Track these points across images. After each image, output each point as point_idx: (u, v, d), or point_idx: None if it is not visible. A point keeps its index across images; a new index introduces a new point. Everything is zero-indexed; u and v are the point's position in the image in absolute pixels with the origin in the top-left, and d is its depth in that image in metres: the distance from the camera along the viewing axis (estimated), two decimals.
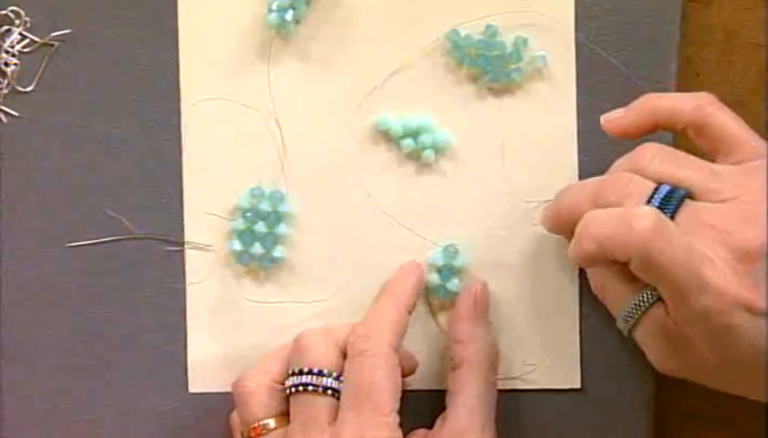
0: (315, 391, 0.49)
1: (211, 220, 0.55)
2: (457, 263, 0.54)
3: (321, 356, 0.50)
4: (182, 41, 0.54)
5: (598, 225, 0.45)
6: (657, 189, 0.46)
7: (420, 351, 0.54)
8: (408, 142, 0.54)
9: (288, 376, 0.50)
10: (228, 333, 0.55)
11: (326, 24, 0.54)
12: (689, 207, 0.46)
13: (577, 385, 0.54)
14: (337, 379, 0.49)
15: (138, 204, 0.55)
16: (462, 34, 0.53)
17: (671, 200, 0.46)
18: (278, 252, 0.54)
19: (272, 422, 0.50)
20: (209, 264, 0.55)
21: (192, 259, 0.55)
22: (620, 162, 0.49)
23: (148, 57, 0.55)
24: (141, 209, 0.55)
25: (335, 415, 0.49)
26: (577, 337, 0.54)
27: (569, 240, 0.48)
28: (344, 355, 0.50)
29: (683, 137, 0.50)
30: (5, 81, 0.55)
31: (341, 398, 0.49)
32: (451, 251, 0.54)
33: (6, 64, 0.55)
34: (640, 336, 0.48)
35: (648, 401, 0.53)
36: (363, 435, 0.47)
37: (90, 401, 0.55)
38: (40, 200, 0.55)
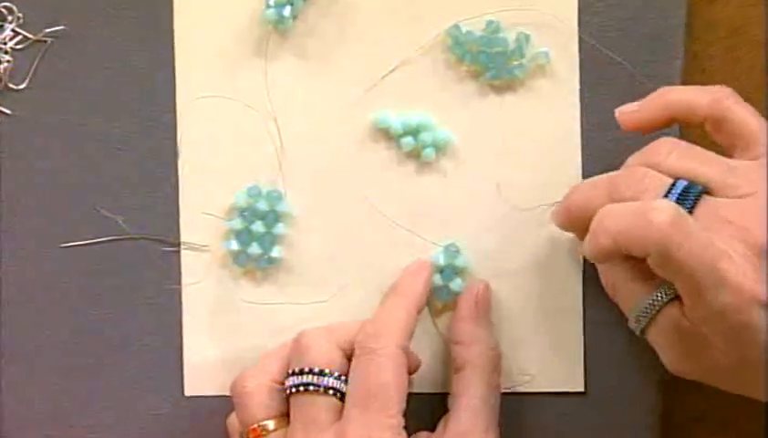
0: (316, 390, 0.49)
1: (207, 220, 0.55)
2: (459, 263, 0.53)
3: (322, 355, 0.49)
4: (178, 38, 0.54)
5: (615, 219, 0.45)
6: (674, 184, 0.46)
7: (422, 354, 0.53)
8: (408, 141, 0.54)
9: (288, 376, 0.50)
10: (225, 335, 0.55)
11: (324, 19, 0.54)
12: (706, 203, 0.45)
13: (581, 388, 0.54)
14: (338, 378, 0.49)
15: (133, 204, 0.55)
16: (464, 30, 0.53)
17: (689, 195, 0.45)
18: (276, 252, 0.54)
19: (271, 424, 0.50)
20: (205, 264, 0.55)
21: (188, 260, 0.55)
22: (635, 158, 0.48)
23: (143, 54, 0.55)
24: (137, 209, 0.55)
25: (336, 415, 0.48)
26: (581, 339, 0.53)
27: (581, 237, 0.48)
28: (345, 354, 0.50)
29: (691, 132, 0.50)
30: None
31: (347, 396, 0.48)
32: (452, 251, 0.53)
33: None
34: (653, 336, 0.47)
35: (652, 405, 0.53)
36: (369, 435, 0.47)
37: (85, 403, 0.55)
38: (33, 200, 0.55)
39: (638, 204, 0.45)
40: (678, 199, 0.45)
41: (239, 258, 0.54)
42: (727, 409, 0.54)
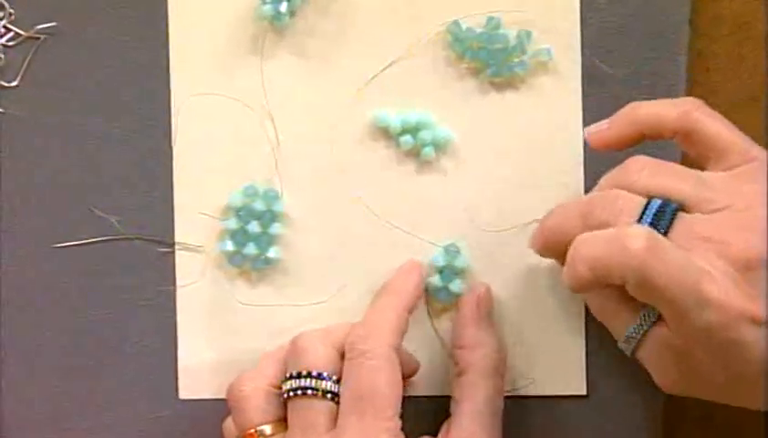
0: (314, 394, 0.48)
1: (202, 220, 0.54)
2: (459, 263, 0.53)
3: (320, 358, 0.49)
4: (173, 35, 0.54)
5: (590, 248, 0.45)
6: (648, 204, 0.46)
7: (422, 357, 0.53)
8: (407, 139, 0.53)
9: (286, 379, 0.49)
10: (220, 337, 0.54)
11: (322, 16, 0.54)
12: (682, 220, 0.45)
13: (583, 391, 0.53)
14: (337, 382, 0.49)
15: (127, 204, 0.55)
16: (464, 26, 0.53)
17: (664, 214, 0.45)
18: (272, 253, 0.54)
19: (268, 429, 0.49)
20: (200, 265, 0.54)
21: (182, 260, 0.54)
22: (607, 178, 0.48)
23: (137, 51, 0.54)
24: (131, 209, 0.55)
25: (335, 420, 0.48)
26: (583, 342, 0.53)
27: (561, 263, 0.48)
28: (343, 357, 0.49)
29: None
30: None
31: (341, 401, 0.48)
32: (452, 251, 0.53)
33: None
34: (644, 357, 0.47)
35: (655, 409, 0.53)
36: None
37: (76, 407, 0.55)
38: (24, 199, 0.55)
39: (613, 232, 0.45)
40: (653, 219, 0.45)
41: (234, 259, 0.54)
42: (731, 412, 0.52)
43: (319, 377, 0.48)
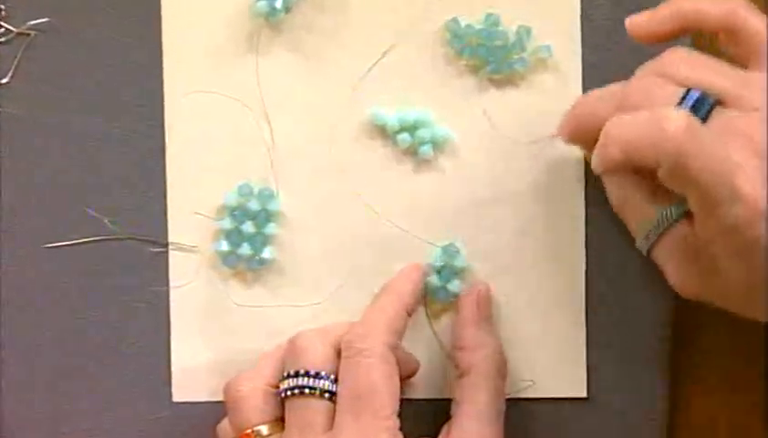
0: (311, 393, 0.48)
1: (196, 219, 0.54)
2: (458, 263, 0.53)
3: (318, 357, 0.49)
4: (166, 31, 0.54)
5: (626, 129, 0.44)
6: (687, 94, 0.45)
7: (421, 358, 0.53)
8: (405, 137, 0.53)
9: (283, 379, 0.49)
10: (214, 339, 0.54)
11: (318, 12, 0.54)
12: (720, 114, 0.45)
13: (583, 394, 0.53)
14: (335, 381, 0.49)
15: (120, 204, 0.54)
16: (463, 23, 0.53)
17: (702, 106, 0.45)
18: (267, 253, 0.54)
19: (265, 429, 0.49)
20: (194, 266, 0.54)
21: (176, 261, 0.54)
22: (645, 68, 0.48)
23: (129, 47, 0.54)
24: (123, 208, 0.54)
25: (332, 420, 0.48)
26: (584, 343, 0.53)
27: (588, 150, 0.47)
28: (341, 356, 0.49)
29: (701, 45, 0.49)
30: None
31: (337, 401, 0.48)
32: (451, 250, 0.53)
33: None
34: (661, 255, 0.47)
35: (657, 411, 0.53)
36: None
37: (67, 410, 0.55)
38: (14, 198, 0.55)
39: (651, 113, 0.44)
40: (691, 109, 0.44)
41: (229, 259, 0.54)
42: (736, 417, 0.54)
43: (317, 376, 0.48)
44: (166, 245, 0.54)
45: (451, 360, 0.52)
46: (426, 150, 0.53)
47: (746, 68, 0.47)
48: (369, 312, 0.50)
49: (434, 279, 0.53)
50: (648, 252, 0.47)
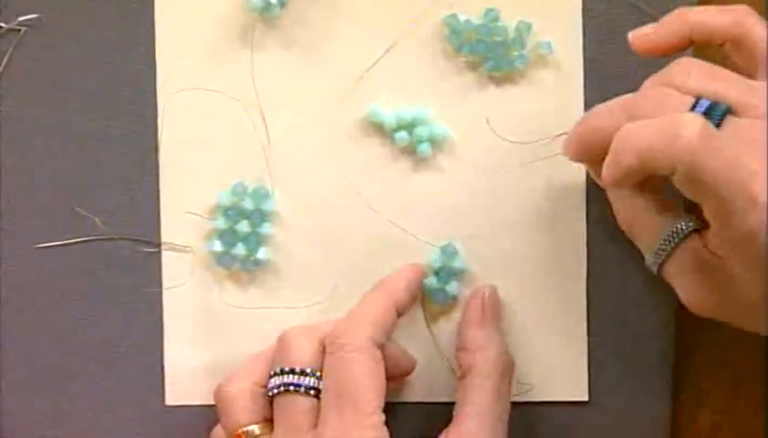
0: (297, 391, 0.48)
1: (189, 219, 0.54)
2: (456, 264, 0.53)
3: (304, 354, 0.49)
4: (159, 27, 0.54)
5: (640, 135, 0.44)
6: (697, 102, 0.45)
7: (419, 361, 0.53)
8: (402, 136, 0.53)
9: (271, 377, 0.49)
10: (208, 341, 0.54)
11: (313, 7, 0.53)
12: (732, 123, 0.45)
13: (585, 397, 0.53)
14: (321, 378, 0.49)
15: (111, 203, 0.54)
16: (462, 18, 0.53)
17: (714, 113, 0.44)
18: (262, 253, 0.54)
19: (256, 429, 0.49)
20: (187, 266, 0.54)
21: (169, 261, 0.54)
22: (652, 80, 0.47)
23: (121, 43, 0.54)
24: (115, 208, 0.54)
25: (318, 417, 0.48)
26: (585, 346, 0.53)
27: (593, 168, 0.48)
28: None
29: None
30: None
31: (321, 398, 0.48)
32: (450, 251, 0.53)
33: None
34: (672, 271, 0.47)
35: (659, 415, 0.53)
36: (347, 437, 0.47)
37: (58, 414, 0.55)
38: (4, 198, 0.54)
39: (665, 118, 0.43)
40: (703, 116, 0.44)
41: (223, 260, 0.54)
42: (739, 423, 0.54)
43: (303, 373, 0.48)
44: (159, 245, 0.54)
45: (455, 361, 0.52)
46: (424, 148, 0.53)
47: (752, 78, 0.47)
48: (356, 307, 0.50)
49: (432, 281, 0.53)
50: (659, 270, 0.47)
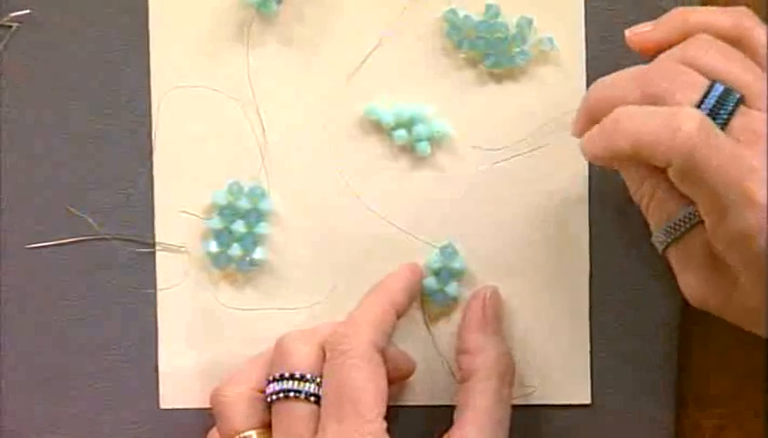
0: (296, 397, 0.48)
1: (184, 219, 0.54)
2: (456, 265, 0.53)
3: (303, 359, 0.49)
4: (153, 22, 0.54)
5: (636, 123, 0.43)
6: (712, 86, 0.44)
7: (418, 364, 0.53)
8: (401, 134, 0.53)
9: (269, 382, 0.49)
10: (203, 343, 0.54)
11: (310, 3, 0.53)
12: (743, 113, 0.44)
13: (587, 400, 0.53)
14: (321, 384, 0.48)
15: (104, 202, 0.54)
16: (461, 14, 0.52)
17: (727, 101, 0.44)
18: (259, 254, 0.53)
19: (254, 435, 0.49)
20: (182, 267, 0.54)
21: (163, 262, 0.54)
22: (668, 54, 0.47)
23: (115, 40, 0.54)
24: (108, 207, 0.54)
25: (318, 424, 0.48)
26: (588, 348, 0.53)
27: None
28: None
29: None
30: None
31: (321, 404, 0.48)
32: (449, 252, 0.53)
33: None
34: (677, 256, 0.46)
35: (661, 418, 0.53)
36: None
37: (50, 417, 0.55)
38: None
39: (666, 110, 0.43)
40: (715, 103, 0.44)
41: (218, 260, 0.54)
42: (744, 425, 0.54)
43: (302, 379, 0.48)
44: (153, 245, 0.54)
45: (456, 364, 0.52)
46: (423, 146, 0.53)
47: None
48: (355, 311, 0.50)
49: (432, 282, 0.53)
50: (665, 250, 0.46)
